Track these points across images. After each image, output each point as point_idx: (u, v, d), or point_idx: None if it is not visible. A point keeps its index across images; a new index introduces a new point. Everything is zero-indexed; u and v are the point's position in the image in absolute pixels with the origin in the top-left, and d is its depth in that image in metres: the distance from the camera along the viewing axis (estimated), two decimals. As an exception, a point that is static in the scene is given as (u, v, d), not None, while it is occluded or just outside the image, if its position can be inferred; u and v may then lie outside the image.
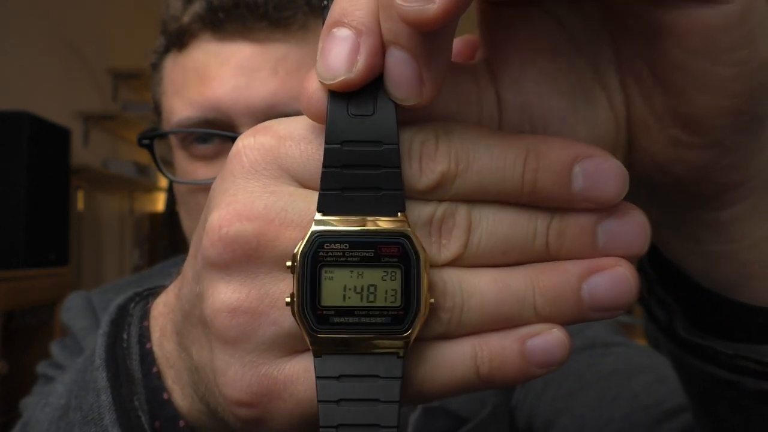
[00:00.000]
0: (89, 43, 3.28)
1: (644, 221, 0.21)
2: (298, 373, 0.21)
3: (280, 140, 0.21)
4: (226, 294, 0.21)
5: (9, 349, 2.12)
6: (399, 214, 0.20)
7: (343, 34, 0.19)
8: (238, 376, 0.21)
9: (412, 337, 0.20)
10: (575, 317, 0.21)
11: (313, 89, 0.20)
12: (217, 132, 0.50)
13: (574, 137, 0.21)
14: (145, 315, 0.28)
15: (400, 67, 0.18)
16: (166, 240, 3.71)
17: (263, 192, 0.21)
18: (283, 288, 0.20)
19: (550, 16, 0.22)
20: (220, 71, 0.50)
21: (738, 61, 0.19)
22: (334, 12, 0.19)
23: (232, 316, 0.21)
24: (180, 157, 0.55)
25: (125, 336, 0.27)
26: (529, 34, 0.22)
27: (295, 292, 0.19)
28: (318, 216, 0.20)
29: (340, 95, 0.19)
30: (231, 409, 0.22)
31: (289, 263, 0.20)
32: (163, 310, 0.27)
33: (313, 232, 0.19)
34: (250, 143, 0.21)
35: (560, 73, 0.22)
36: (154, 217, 3.96)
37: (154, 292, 0.29)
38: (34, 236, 2.25)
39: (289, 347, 0.21)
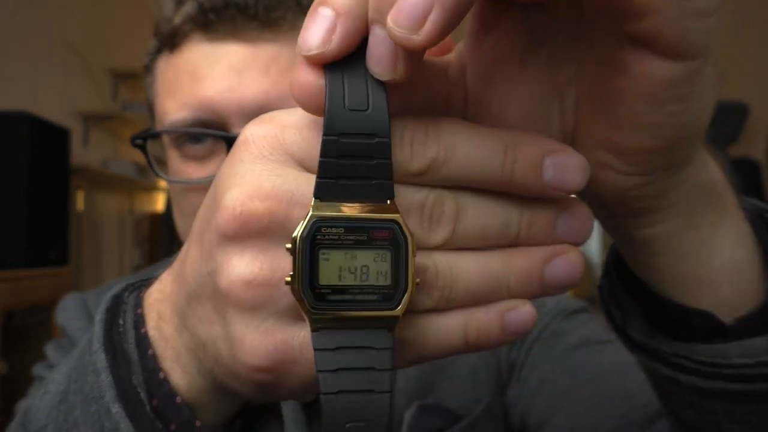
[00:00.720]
0: (89, 43, 3.27)
1: (590, 216, 0.24)
2: (311, 337, 0.22)
3: (284, 128, 0.23)
4: (240, 267, 0.22)
5: (8, 349, 2.12)
6: (389, 201, 0.22)
7: (326, 13, 0.21)
8: (255, 343, 0.23)
9: (401, 312, 0.22)
10: (538, 294, 0.24)
11: (310, 81, 0.21)
12: (209, 132, 0.51)
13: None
14: (139, 303, 0.29)
15: (379, 44, 0.20)
16: (166, 240, 3.71)
17: (271, 175, 0.22)
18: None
19: (529, 27, 0.24)
20: (211, 71, 0.50)
21: (672, 113, 0.22)
22: None
23: (248, 287, 0.22)
24: (173, 157, 0.55)
25: (121, 322, 0.29)
26: (506, 42, 0.24)
27: (294, 272, 0.21)
28: (315, 202, 0.21)
29: (335, 88, 0.21)
30: (248, 375, 0.23)
31: (288, 245, 0.21)
32: (158, 296, 0.29)
33: (312, 217, 0.21)
34: (257, 131, 0.23)
35: (524, 83, 0.24)
36: (154, 217, 3.96)
37: (146, 283, 0.31)
38: (34, 236, 2.25)
39: (301, 316, 0.23)
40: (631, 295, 0.31)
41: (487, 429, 0.60)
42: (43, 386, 0.32)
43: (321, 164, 0.21)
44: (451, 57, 0.26)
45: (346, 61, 0.21)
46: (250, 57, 0.50)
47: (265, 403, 0.30)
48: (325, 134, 0.21)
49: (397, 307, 0.22)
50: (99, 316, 0.29)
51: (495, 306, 0.24)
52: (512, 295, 0.24)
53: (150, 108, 0.59)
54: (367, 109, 0.21)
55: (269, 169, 0.23)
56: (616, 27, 0.21)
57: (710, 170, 0.27)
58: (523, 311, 0.24)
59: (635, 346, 0.30)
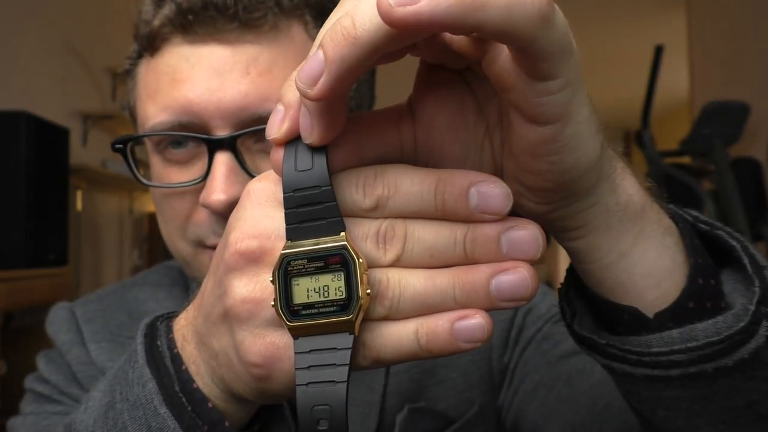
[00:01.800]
0: (88, 43, 3.27)
1: (537, 234, 0.28)
2: (292, 342, 0.28)
3: (277, 183, 0.30)
4: (239, 288, 0.29)
5: (8, 350, 2.12)
6: (342, 233, 0.28)
7: (279, 108, 0.28)
8: (251, 344, 0.29)
9: (355, 317, 0.27)
10: (487, 306, 0.28)
11: (275, 158, 0.29)
12: (189, 135, 0.50)
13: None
14: (170, 330, 0.36)
15: (302, 118, 0.28)
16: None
17: (264, 218, 0.29)
18: None
19: (465, 83, 0.30)
20: (191, 74, 0.50)
21: (549, 162, 0.27)
22: (279, 92, 0.28)
23: (244, 302, 0.29)
24: (155, 162, 0.55)
25: (159, 343, 0.35)
26: (447, 93, 0.30)
27: (275, 296, 0.28)
28: (287, 243, 0.28)
29: (289, 158, 0.28)
30: (248, 371, 0.30)
31: (271, 278, 0.28)
32: (183, 323, 0.35)
33: (281, 255, 0.28)
34: (256, 185, 0.30)
35: (462, 127, 0.30)
36: (153, 217, 3.96)
37: (173, 315, 0.37)
38: (33, 236, 2.25)
39: (283, 325, 0.28)
40: (583, 296, 0.35)
41: (481, 431, 0.60)
42: (83, 403, 0.38)
43: (286, 214, 0.28)
44: (403, 105, 0.31)
45: (298, 138, 0.28)
46: (230, 59, 0.50)
47: (266, 402, 0.34)
48: (284, 192, 0.28)
49: (350, 314, 0.27)
50: (139, 339, 0.36)
51: (446, 314, 0.28)
52: (460, 306, 0.28)
53: (131, 113, 0.58)
54: (311, 168, 0.28)
55: (263, 213, 0.30)
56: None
57: (621, 193, 0.31)
58: (472, 321, 0.27)
59: (579, 340, 0.34)
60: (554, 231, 0.32)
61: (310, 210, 0.28)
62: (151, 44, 0.52)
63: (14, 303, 2.18)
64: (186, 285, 0.64)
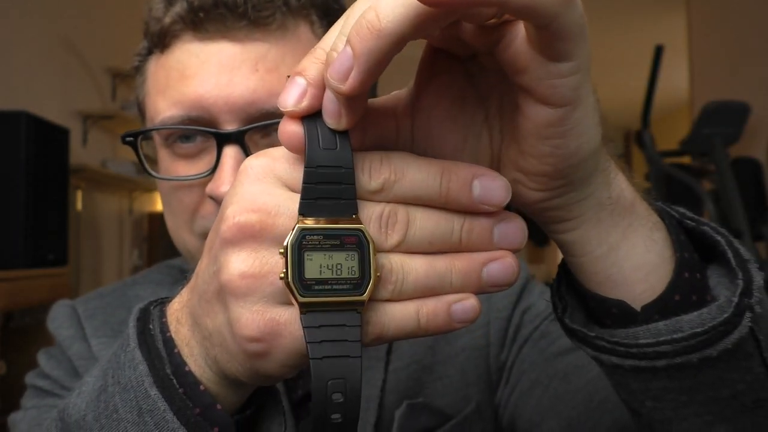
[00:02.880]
0: (88, 43, 3.27)
1: (523, 226, 0.30)
2: (294, 318, 0.29)
3: (276, 159, 0.30)
4: (237, 263, 0.29)
5: (8, 350, 2.12)
6: (354, 215, 0.29)
7: (300, 81, 0.28)
8: (249, 320, 0.29)
9: (367, 297, 0.28)
10: (477, 290, 0.30)
11: (294, 130, 0.29)
12: (199, 129, 0.52)
13: (459, 158, 0.31)
14: (163, 314, 0.36)
15: (328, 102, 0.28)
16: (165, 240, 3.70)
17: (263, 193, 0.29)
18: (278, 259, 0.29)
19: (467, 71, 0.31)
20: (201, 70, 0.51)
21: (555, 145, 0.29)
22: (299, 64, 0.29)
23: (242, 278, 0.29)
24: (163, 156, 0.56)
25: (151, 327, 0.35)
26: (449, 82, 0.31)
27: (286, 268, 0.28)
28: (299, 217, 0.28)
29: (312, 134, 0.28)
30: (243, 348, 0.29)
31: (281, 250, 0.28)
32: (177, 306, 0.35)
33: (298, 228, 0.28)
34: (254, 161, 0.30)
35: (460, 116, 0.31)
36: (153, 217, 3.96)
37: (167, 300, 0.37)
38: (33, 236, 2.25)
39: (284, 300, 0.29)
40: (574, 291, 0.37)
41: (476, 428, 0.61)
42: (77, 388, 0.37)
43: (304, 188, 0.28)
44: (403, 94, 0.32)
45: (317, 114, 0.29)
46: (239, 55, 0.51)
47: (259, 384, 0.34)
48: (306, 166, 0.28)
49: (364, 293, 0.28)
50: (132, 323, 0.35)
51: (444, 297, 0.30)
52: (455, 290, 0.30)
53: (140, 108, 0.60)
54: (335, 148, 0.28)
55: (262, 189, 0.29)
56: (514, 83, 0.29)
57: (614, 188, 0.32)
58: (467, 303, 0.30)
59: (569, 333, 0.36)
60: (547, 222, 0.33)
61: (329, 188, 0.28)
62: (161, 41, 0.54)
63: (14, 303, 2.18)
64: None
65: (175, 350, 0.34)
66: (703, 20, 3.41)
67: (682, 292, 0.32)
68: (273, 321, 0.29)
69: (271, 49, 0.52)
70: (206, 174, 0.52)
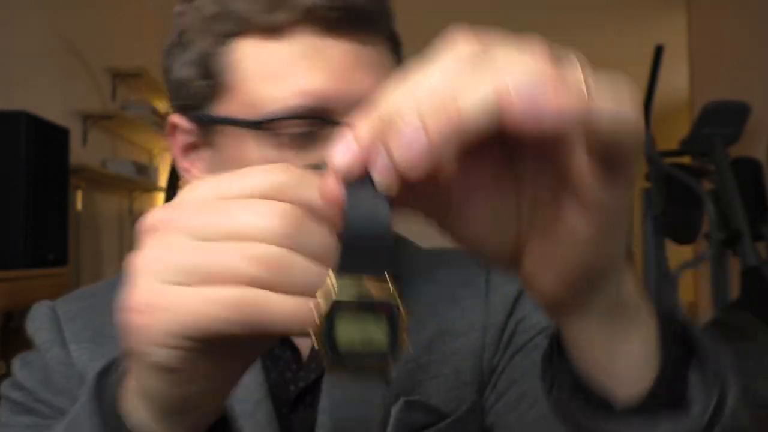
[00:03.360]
0: (88, 43, 3.27)
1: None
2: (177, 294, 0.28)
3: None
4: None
5: (7, 350, 2.12)
6: (388, 282, 0.28)
7: (351, 145, 0.27)
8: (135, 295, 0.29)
9: (391, 367, 0.28)
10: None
11: (333, 185, 0.28)
12: (329, 119, 0.53)
13: (483, 239, 0.32)
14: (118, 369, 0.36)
15: (385, 171, 0.26)
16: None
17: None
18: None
19: (510, 158, 0.30)
20: (328, 65, 0.53)
21: (585, 248, 0.29)
22: (356, 129, 0.27)
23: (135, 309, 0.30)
24: (257, 146, 0.54)
25: (112, 375, 0.36)
26: (484, 163, 0.30)
27: (320, 334, 0.28)
28: (333, 275, 0.28)
29: (353, 195, 0.28)
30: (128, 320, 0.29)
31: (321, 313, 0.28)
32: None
33: (333, 302, 0.28)
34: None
35: (495, 195, 0.30)
36: (153, 217, 3.95)
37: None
38: (33, 236, 2.25)
39: (175, 281, 0.28)
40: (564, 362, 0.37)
41: (471, 428, 0.61)
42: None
43: (342, 250, 0.28)
44: None
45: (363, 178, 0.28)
46: (358, 56, 0.55)
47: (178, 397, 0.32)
48: (346, 229, 0.28)
49: (389, 363, 0.29)
50: (86, 396, 0.36)
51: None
52: None
53: (209, 90, 0.56)
54: (376, 214, 0.28)
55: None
56: (560, 183, 0.28)
57: (625, 291, 0.33)
58: None
59: (556, 410, 0.37)
60: (552, 309, 0.34)
61: (364, 252, 0.28)
62: (272, 27, 0.53)
63: (14, 303, 2.18)
64: None
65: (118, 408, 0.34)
66: (703, 20, 3.41)
67: (663, 394, 0.34)
68: (156, 294, 0.28)
69: (379, 54, 0.56)
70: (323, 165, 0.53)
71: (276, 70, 0.54)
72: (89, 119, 3.27)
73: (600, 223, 0.28)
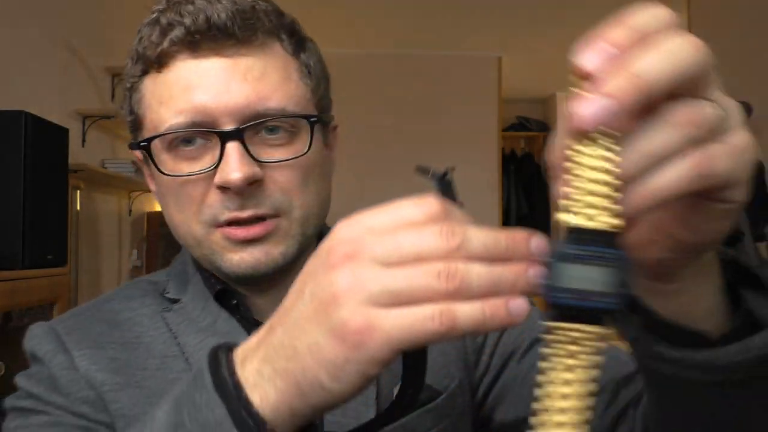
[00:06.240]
0: (88, 43, 3.27)
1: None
2: (386, 316, 0.33)
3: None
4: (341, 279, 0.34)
5: (6, 350, 2.12)
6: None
7: (604, 102, 0.31)
8: (350, 318, 0.33)
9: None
10: (525, 292, 0.34)
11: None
12: (206, 130, 0.61)
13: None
14: (230, 360, 0.39)
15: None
16: (164, 240, 3.70)
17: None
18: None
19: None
20: (201, 82, 0.61)
21: (713, 229, 0.35)
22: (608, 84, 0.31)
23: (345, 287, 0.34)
24: (165, 159, 0.64)
25: (222, 371, 0.38)
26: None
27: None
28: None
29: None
30: (344, 338, 0.33)
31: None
32: (241, 353, 0.39)
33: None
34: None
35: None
36: (152, 217, 3.95)
37: (233, 345, 0.41)
38: (32, 237, 2.24)
39: (379, 303, 0.33)
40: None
41: (460, 402, 0.69)
42: (142, 423, 0.41)
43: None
44: None
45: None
46: (231, 68, 0.61)
47: (324, 407, 0.37)
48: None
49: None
50: (204, 366, 0.39)
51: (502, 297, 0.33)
52: (509, 293, 0.33)
53: (135, 122, 0.67)
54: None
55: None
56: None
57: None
58: (520, 301, 0.33)
59: (650, 355, 0.40)
60: (657, 278, 0.38)
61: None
62: (159, 62, 0.62)
63: (13, 303, 2.17)
64: (157, 292, 0.70)
65: (244, 394, 0.37)
66: (703, 20, 3.41)
67: (740, 323, 0.40)
68: (370, 317, 0.32)
69: (256, 62, 0.62)
70: (212, 168, 0.61)
71: (164, 96, 0.63)
72: (88, 119, 3.26)
73: (728, 206, 0.34)
